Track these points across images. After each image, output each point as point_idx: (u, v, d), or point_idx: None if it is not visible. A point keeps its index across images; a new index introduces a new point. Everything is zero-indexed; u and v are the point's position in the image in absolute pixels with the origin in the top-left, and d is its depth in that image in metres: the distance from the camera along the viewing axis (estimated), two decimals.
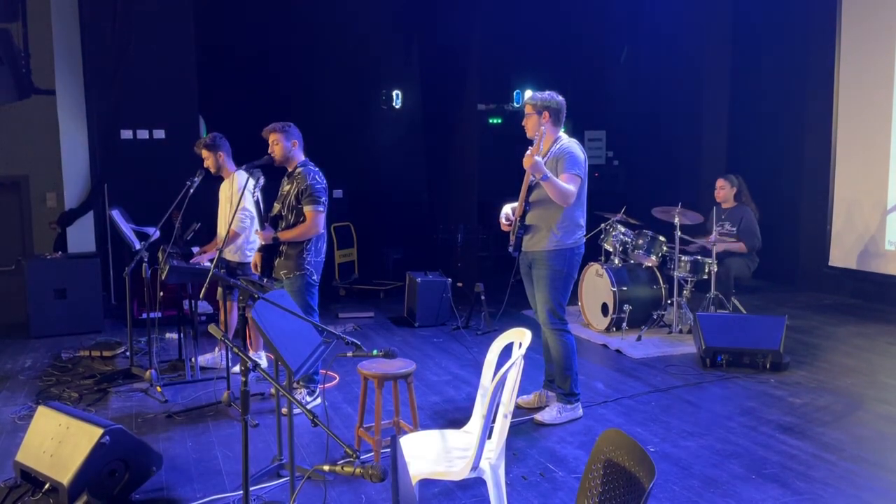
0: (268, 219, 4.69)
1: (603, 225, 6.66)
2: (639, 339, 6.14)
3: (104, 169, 7.23)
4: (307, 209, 4.45)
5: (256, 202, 4.36)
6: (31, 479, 3.46)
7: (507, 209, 4.47)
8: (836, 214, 7.93)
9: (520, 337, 3.03)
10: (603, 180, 10.37)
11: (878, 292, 7.50)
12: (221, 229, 5.41)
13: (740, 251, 6.52)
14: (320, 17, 8.63)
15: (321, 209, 4.47)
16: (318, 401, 4.65)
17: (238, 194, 4.97)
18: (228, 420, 4.45)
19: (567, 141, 4.30)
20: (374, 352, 3.00)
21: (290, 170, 4.64)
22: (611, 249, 6.62)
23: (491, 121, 10.45)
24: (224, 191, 5.41)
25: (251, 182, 4.35)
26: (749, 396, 4.80)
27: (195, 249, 5.52)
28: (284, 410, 3.78)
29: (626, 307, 6.26)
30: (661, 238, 6.41)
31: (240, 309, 5.35)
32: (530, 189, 4.30)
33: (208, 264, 5.12)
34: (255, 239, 5.34)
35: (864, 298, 7.64)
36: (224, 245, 4.79)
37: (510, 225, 4.43)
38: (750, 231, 6.52)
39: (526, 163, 4.08)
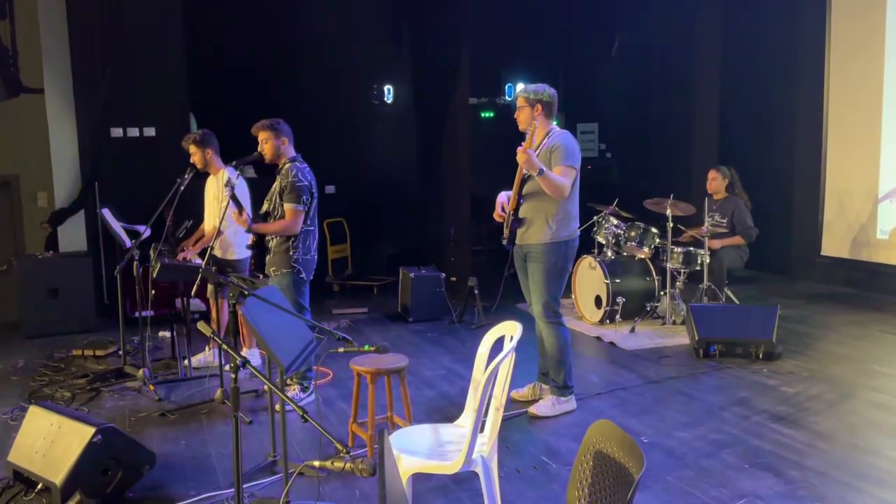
0: (257, 216, 4.66)
1: (595, 217, 6.66)
2: (632, 330, 6.14)
3: (94, 167, 7.18)
4: (287, 206, 4.42)
5: (233, 196, 4.31)
6: (23, 480, 3.45)
7: (503, 197, 4.46)
8: (828, 204, 7.95)
9: (511, 330, 3.03)
10: (595, 173, 10.37)
11: (870, 281, 7.53)
12: (208, 225, 5.40)
13: (737, 244, 6.53)
14: (310, 13, 8.59)
15: (301, 207, 4.41)
16: (312, 397, 4.64)
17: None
18: (222, 418, 4.44)
19: (560, 132, 4.29)
20: (367, 347, 3.00)
21: (279, 166, 4.62)
22: (603, 242, 6.63)
23: (483, 115, 10.43)
24: (210, 187, 5.39)
25: (244, 182, 4.34)
26: (742, 386, 4.82)
27: None
28: (278, 407, 3.78)
29: (620, 299, 6.28)
30: (654, 230, 6.42)
31: (230, 306, 5.33)
32: (524, 181, 4.28)
33: (200, 261, 5.10)
34: (246, 236, 5.32)
35: (857, 287, 7.67)
36: (211, 242, 4.77)
37: (505, 215, 4.42)
38: (743, 222, 6.54)
39: (520, 159, 4.06)
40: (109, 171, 7.16)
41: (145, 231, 5.21)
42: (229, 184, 4.33)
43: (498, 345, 3.07)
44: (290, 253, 4.46)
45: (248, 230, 4.48)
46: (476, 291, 6.71)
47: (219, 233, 5.02)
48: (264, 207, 4.60)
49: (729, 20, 8.72)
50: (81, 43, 7.10)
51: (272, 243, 4.53)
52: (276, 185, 4.55)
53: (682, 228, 6.62)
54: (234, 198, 4.30)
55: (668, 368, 5.24)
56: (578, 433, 4.06)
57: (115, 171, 7.15)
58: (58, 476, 3.21)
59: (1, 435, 4.21)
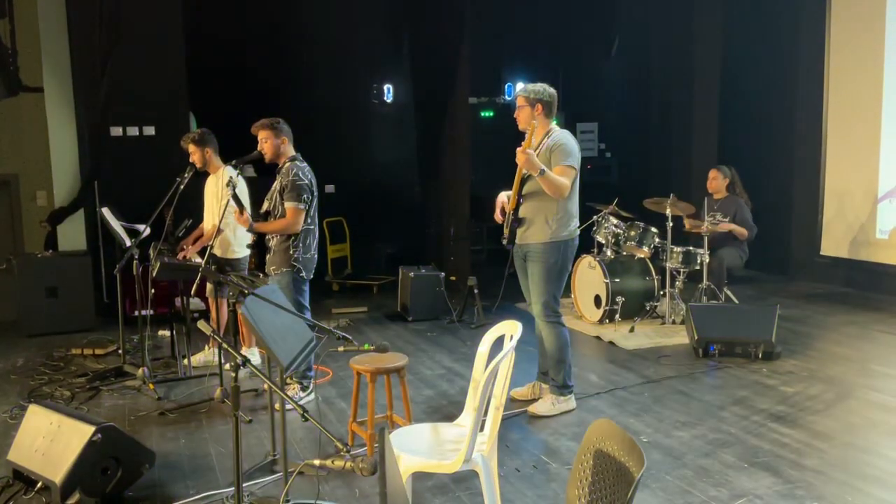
0: (258, 216, 4.67)
1: (595, 217, 6.67)
2: (632, 330, 6.15)
3: (94, 166, 7.18)
4: (287, 205, 4.43)
5: (234, 195, 4.31)
6: (23, 478, 3.46)
7: (503, 197, 4.46)
8: (828, 204, 7.96)
9: (511, 329, 3.03)
10: (595, 172, 10.38)
11: (869, 280, 7.53)
12: (208, 224, 5.41)
13: (741, 236, 6.52)
14: (311, 12, 8.59)
15: (301, 206, 4.42)
16: (312, 396, 4.65)
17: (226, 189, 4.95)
18: (222, 416, 4.44)
19: (559, 132, 4.29)
20: (366, 346, 3.01)
21: (279, 165, 4.63)
22: (603, 241, 6.63)
23: (482, 114, 10.44)
24: (210, 186, 5.39)
25: (230, 175, 4.34)
26: (741, 386, 4.82)
27: None
28: (278, 406, 3.78)
29: (619, 299, 6.28)
30: (654, 229, 6.42)
31: (229, 305, 5.33)
32: (523, 181, 4.29)
33: (200, 260, 5.10)
34: (245, 235, 5.33)
35: (856, 287, 7.68)
36: (210, 241, 4.77)
37: (505, 215, 4.42)
38: (746, 221, 6.55)
39: (519, 159, 4.06)
40: (109, 170, 7.16)
41: (145, 230, 5.21)
42: (231, 183, 4.33)
43: (498, 344, 3.08)
44: (291, 252, 4.47)
45: (250, 229, 4.48)
46: (476, 291, 6.72)
47: (218, 231, 5.02)
48: (264, 206, 4.60)
49: (729, 20, 8.72)
50: (81, 42, 7.09)
51: (272, 242, 4.54)
52: (276, 184, 4.55)
53: (686, 223, 6.58)
54: (235, 197, 4.30)
55: (667, 368, 5.25)
56: (578, 432, 4.08)
57: (115, 170, 7.15)
58: (57, 475, 3.21)
59: (1, 434, 4.21)
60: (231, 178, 4.38)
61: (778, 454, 3.74)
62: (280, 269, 4.49)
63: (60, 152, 7.16)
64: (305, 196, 4.44)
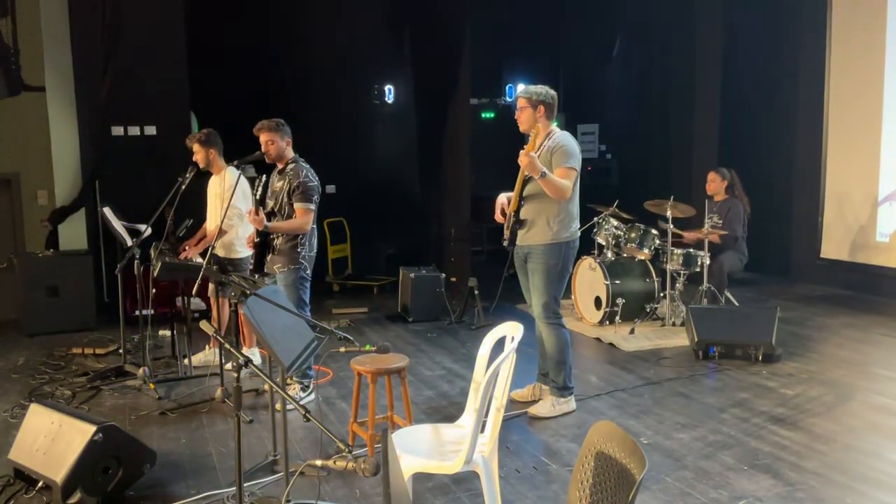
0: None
1: (596, 219, 6.67)
2: (632, 332, 6.15)
3: (95, 166, 7.19)
4: (298, 206, 4.46)
5: (260, 198, 4.36)
6: (24, 477, 3.46)
7: (503, 198, 4.47)
8: (828, 207, 7.96)
9: (512, 330, 3.04)
10: (596, 174, 10.39)
11: (869, 283, 7.54)
12: (210, 224, 5.41)
13: (713, 240, 6.29)
14: (312, 12, 8.60)
15: (311, 207, 4.49)
16: (312, 396, 4.65)
17: (230, 191, 4.96)
18: (222, 416, 4.45)
19: (560, 134, 4.30)
20: (367, 347, 3.01)
21: (280, 166, 4.64)
22: (604, 243, 6.63)
23: (483, 115, 10.45)
24: (213, 187, 5.40)
25: (245, 181, 4.36)
26: (741, 388, 4.82)
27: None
28: (279, 406, 3.79)
29: (620, 300, 6.28)
30: (654, 231, 6.43)
31: (231, 305, 5.33)
32: (525, 183, 4.29)
33: (201, 260, 5.11)
34: (245, 235, 5.33)
35: (856, 289, 7.68)
36: (212, 241, 4.78)
37: (505, 216, 4.43)
38: (730, 224, 6.45)
39: (522, 161, 4.07)
40: (110, 170, 7.17)
41: (146, 230, 5.21)
42: (259, 184, 4.36)
43: (499, 345, 3.08)
44: (299, 250, 4.52)
45: (264, 229, 4.49)
46: (476, 292, 6.72)
47: (221, 232, 5.03)
48: (269, 206, 4.62)
49: (729, 21, 8.73)
50: (83, 41, 7.10)
51: (278, 241, 4.56)
52: (282, 185, 4.57)
53: (678, 231, 6.53)
54: (259, 200, 4.35)
55: (667, 370, 5.25)
56: (578, 434, 4.08)
57: (116, 170, 7.15)
58: (59, 474, 3.22)
59: (2, 433, 4.22)
60: (257, 179, 4.40)
61: (778, 456, 3.74)
62: (286, 266, 4.51)
63: (62, 151, 7.17)
64: (315, 197, 4.52)
